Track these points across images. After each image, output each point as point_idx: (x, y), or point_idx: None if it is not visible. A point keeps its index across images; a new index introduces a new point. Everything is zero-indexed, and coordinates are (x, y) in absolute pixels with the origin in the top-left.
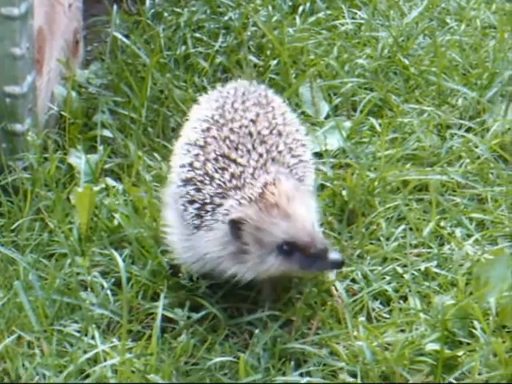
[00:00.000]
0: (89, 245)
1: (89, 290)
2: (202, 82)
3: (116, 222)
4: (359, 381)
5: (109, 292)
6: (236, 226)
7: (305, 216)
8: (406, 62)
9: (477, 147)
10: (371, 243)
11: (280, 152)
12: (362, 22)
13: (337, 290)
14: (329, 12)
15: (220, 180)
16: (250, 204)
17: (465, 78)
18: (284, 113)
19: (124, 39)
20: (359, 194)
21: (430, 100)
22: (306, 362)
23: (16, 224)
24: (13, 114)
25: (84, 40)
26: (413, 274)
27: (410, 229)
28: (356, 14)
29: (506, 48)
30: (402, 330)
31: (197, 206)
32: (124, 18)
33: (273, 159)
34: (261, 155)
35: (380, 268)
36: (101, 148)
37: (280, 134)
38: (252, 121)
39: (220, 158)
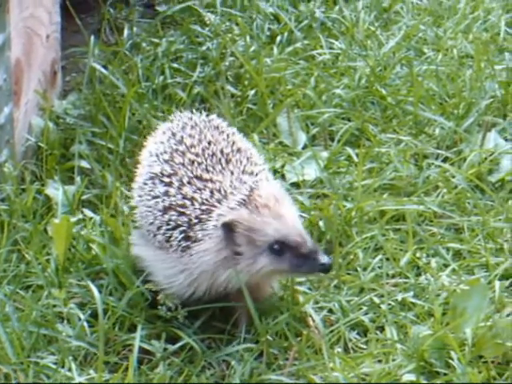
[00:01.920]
0: (66, 276)
1: (65, 321)
2: (180, 112)
3: (93, 253)
4: None
5: (85, 324)
6: (229, 229)
7: (295, 216)
8: (384, 91)
9: (454, 177)
10: (348, 273)
11: (245, 166)
12: (340, 51)
13: (313, 320)
14: (306, 42)
15: (202, 198)
16: (241, 207)
17: (442, 107)
18: (231, 133)
19: (102, 69)
20: (336, 224)
21: (407, 130)
22: None
23: None
24: None
25: (62, 70)
26: (389, 304)
27: (387, 259)
28: (333, 43)
29: (482, 77)
30: (379, 361)
31: (182, 228)
32: (102, 48)
33: (243, 172)
34: (231, 171)
35: (357, 298)
36: (78, 179)
37: (239, 151)
38: (210, 143)
39: (194, 179)
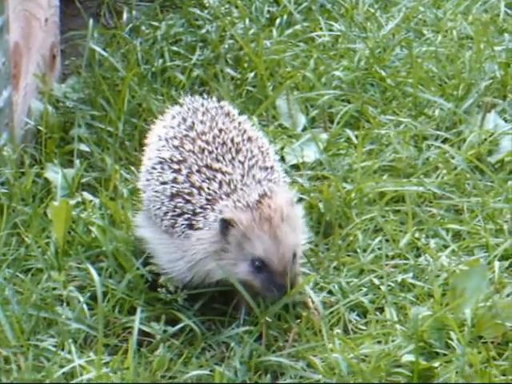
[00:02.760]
0: (65, 259)
1: (65, 304)
2: (179, 95)
3: (93, 236)
4: None
5: (85, 306)
6: (225, 225)
7: (289, 244)
8: (383, 73)
9: (453, 158)
10: (348, 255)
11: (255, 157)
12: (339, 33)
13: (313, 302)
14: (306, 24)
15: (209, 189)
16: (246, 210)
17: (441, 88)
18: (242, 121)
19: (102, 52)
20: (336, 205)
21: (407, 111)
22: (283, 374)
23: None
24: None
25: (61, 54)
26: (389, 285)
27: (387, 240)
28: (333, 25)
29: (482, 59)
30: (379, 342)
31: (187, 216)
32: (101, 31)
33: (254, 165)
34: (241, 162)
35: (356, 280)
36: (77, 162)
37: (250, 140)
38: (222, 131)
39: (204, 168)
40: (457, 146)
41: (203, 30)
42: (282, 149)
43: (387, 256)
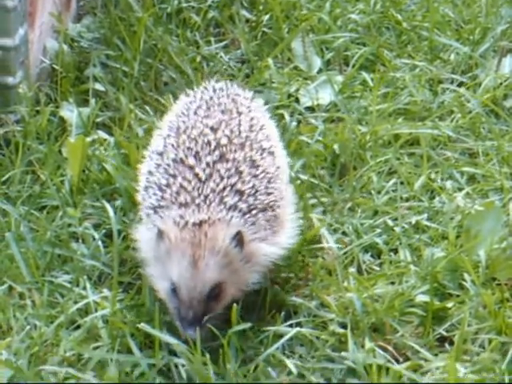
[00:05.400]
0: (80, 197)
1: (80, 241)
2: (194, 36)
3: (107, 174)
4: (349, 332)
5: (100, 243)
6: (160, 235)
7: (207, 278)
8: (399, 17)
9: (468, 102)
10: (362, 196)
11: (234, 176)
12: None
13: (327, 242)
14: None
15: (168, 190)
16: (180, 228)
17: (457, 33)
18: (252, 118)
19: None
20: (351, 147)
21: (423, 55)
22: (296, 313)
23: (7, 176)
24: (4, 66)
25: None
26: (403, 226)
27: (401, 182)
28: None
29: (498, 3)
30: (392, 283)
31: (148, 212)
32: None
33: (231, 186)
34: (220, 175)
35: (371, 221)
36: (92, 101)
37: (242, 145)
38: (212, 128)
39: (176, 165)
40: (472, 90)
41: None
42: (297, 91)
43: (401, 198)
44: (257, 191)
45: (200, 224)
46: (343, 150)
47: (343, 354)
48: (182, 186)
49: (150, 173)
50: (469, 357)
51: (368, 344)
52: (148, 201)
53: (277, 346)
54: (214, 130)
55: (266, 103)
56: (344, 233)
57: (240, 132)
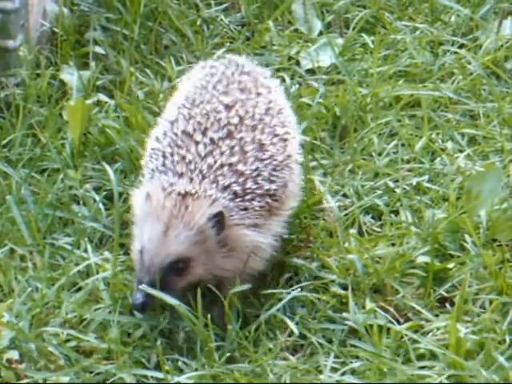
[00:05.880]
0: (81, 160)
1: (81, 204)
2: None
3: (108, 137)
4: (350, 293)
5: (101, 206)
6: (146, 196)
7: (170, 250)
8: None
9: (469, 64)
10: (363, 158)
11: (244, 150)
12: None
13: (328, 203)
14: None
15: (169, 158)
16: (164, 195)
17: None
18: (271, 101)
19: None
20: (351, 109)
21: (423, 17)
22: (297, 275)
23: (8, 139)
24: (4, 29)
25: None
26: (404, 188)
27: (402, 144)
28: None
29: None
30: (393, 244)
31: (150, 175)
32: None
33: (230, 165)
34: (221, 151)
35: (371, 183)
36: (93, 64)
37: (253, 127)
38: (227, 106)
39: (182, 136)
40: (473, 52)
41: None
42: (298, 53)
43: (402, 160)
44: (259, 175)
45: (185, 195)
46: (344, 112)
47: (344, 314)
48: (183, 157)
49: (158, 139)
50: (469, 317)
51: (369, 305)
52: (150, 165)
53: (278, 307)
54: (228, 107)
55: (266, 66)
56: (345, 195)
57: (254, 114)
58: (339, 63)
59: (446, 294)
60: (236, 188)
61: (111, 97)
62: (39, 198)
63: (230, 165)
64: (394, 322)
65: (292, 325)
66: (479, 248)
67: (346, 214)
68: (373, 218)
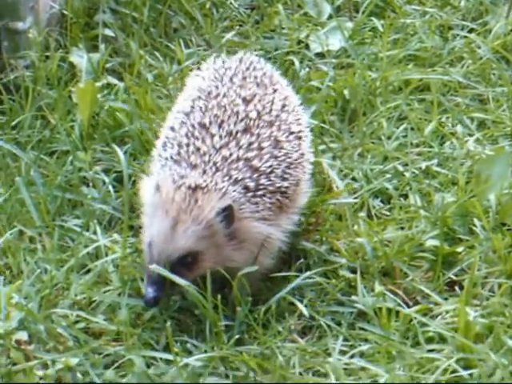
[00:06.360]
0: (90, 142)
1: (90, 186)
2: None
3: (117, 120)
4: (359, 276)
5: (110, 188)
6: (156, 187)
7: (179, 245)
8: None
9: (479, 48)
10: (372, 142)
11: (261, 146)
12: None
13: (337, 187)
14: None
15: (185, 148)
16: (174, 188)
17: None
18: (286, 98)
19: None
20: (361, 93)
21: (433, 1)
22: (306, 258)
23: (17, 121)
24: (14, 11)
25: None
26: (413, 172)
27: (411, 128)
28: None
29: None
30: (402, 227)
31: (161, 164)
32: None
33: (246, 159)
34: (238, 144)
35: (381, 166)
36: (102, 47)
37: (270, 123)
38: (244, 100)
39: (198, 127)
40: (482, 36)
41: None
42: (307, 37)
43: (411, 144)
44: (272, 172)
45: (195, 189)
46: (353, 96)
47: (353, 297)
48: (198, 148)
49: (173, 129)
50: (479, 301)
51: (378, 288)
52: (163, 154)
53: (287, 289)
54: (246, 101)
55: (275, 49)
56: (354, 178)
57: (271, 110)
58: (349, 47)
59: (454, 278)
60: (249, 183)
61: (120, 79)
62: (48, 180)
63: (246, 159)
64: (403, 305)
65: (302, 307)
66: (488, 232)
67: (355, 198)
68: (382, 201)
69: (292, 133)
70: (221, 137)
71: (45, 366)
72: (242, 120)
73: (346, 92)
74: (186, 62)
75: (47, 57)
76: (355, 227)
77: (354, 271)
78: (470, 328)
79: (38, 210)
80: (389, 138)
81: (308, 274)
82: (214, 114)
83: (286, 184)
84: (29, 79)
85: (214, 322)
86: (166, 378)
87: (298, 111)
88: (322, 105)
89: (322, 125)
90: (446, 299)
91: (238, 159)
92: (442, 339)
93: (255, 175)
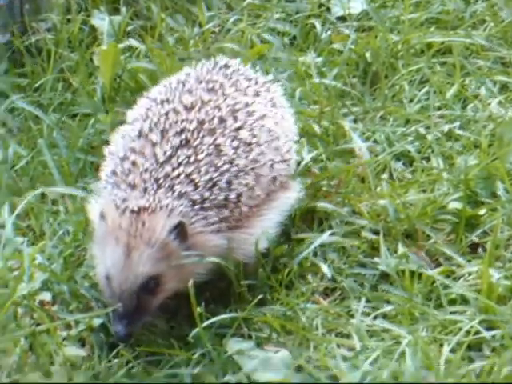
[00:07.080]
0: (112, 105)
1: None
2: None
3: (139, 82)
4: (381, 238)
5: None
6: (102, 216)
7: (138, 272)
8: None
9: (501, 10)
10: (394, 105)
11: (197, 159)
12: None
13: (359, 149)
14: None
15: (125, 164)
16: (118, 213)
17: None
18: (241, 103)
19: None
20: (382, 56)
21: None
22: (328, 220)
23: (39, 83)
24: None
25: None
26: (435, 135)
27: (434, 91)
28: None
29: None
30: (424, 190)
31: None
32: None
33: (187, 175)
34: (179, 164)
35: (403, 129)
36: (123, 10)
37: (212, 131)
38: (186, 107)
39: (137, 137)
40: None
41: None
42: (329, 0)
43: (434, 107)
44: (214, 185)
45: (138, 212)
46: (375, 59)
47: (376, 259)
48: (135, 163)
49: (116, 142)
50: (501, 263)
51: (401, 249)
52: (104, 172)
53: (309, 250)
54: (187, 108)
55: (296, 13)
56: (375, 141)
57: (214, 116)
58: (370, 10)
59: (477, 240)
60: (194, 197)
61: (142, 42)
62: (71, 143)
63: (187, 175)
64: (426, 267)
65: (325, 268)
66: (511, 194)
67: (377, 161)
68: (404, 164)
69: (240, 139)
70: (164, 152)
71: (68, 327)
72: (181, 131)
73: (367, 55)
74: (208, 24)
75: (69, 20)
76: (378, 189)
77: (376, 233)
78: (492, 290)
79: (61, 172)
80: (411, 100)
81: (329, 232)
82: (155, 122)
83: (233, 195)
84: (50, 42)
85: (237, 283)
86: (189, 339)
87: (256, 113)
88: (343, 68)
89: (344, 87)
90: (468, 261)
91: (179, 175)
92: (465, 301)
93: (198, 189)
